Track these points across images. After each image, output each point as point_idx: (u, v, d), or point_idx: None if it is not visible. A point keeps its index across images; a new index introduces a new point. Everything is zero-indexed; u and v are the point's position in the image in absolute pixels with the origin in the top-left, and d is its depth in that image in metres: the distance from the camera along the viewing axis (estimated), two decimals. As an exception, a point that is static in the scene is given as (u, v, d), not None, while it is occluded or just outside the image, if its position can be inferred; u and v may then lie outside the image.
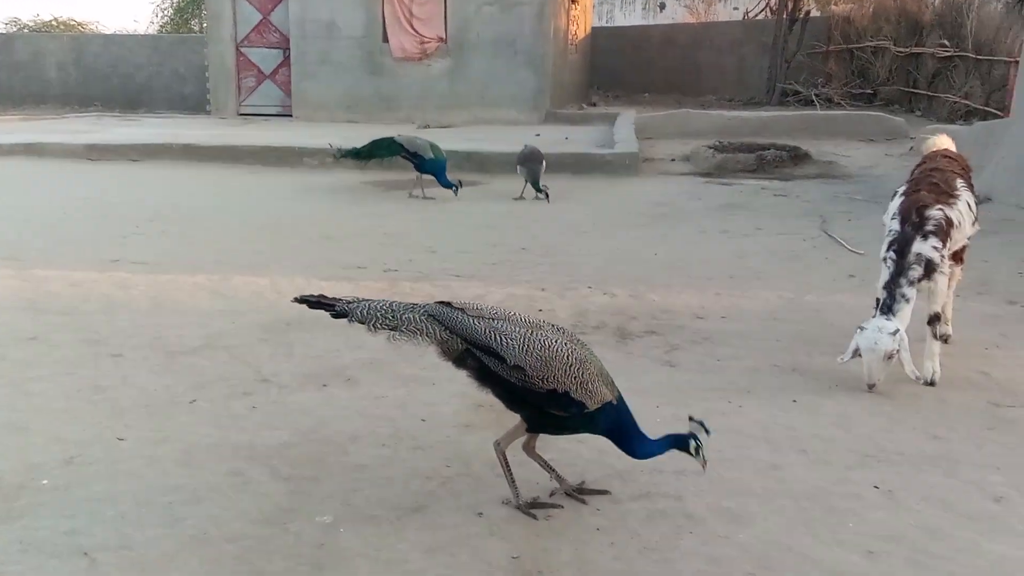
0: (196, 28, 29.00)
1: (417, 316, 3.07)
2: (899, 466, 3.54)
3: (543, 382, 2.96)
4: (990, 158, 9.94)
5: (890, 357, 4.17)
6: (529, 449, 3.26)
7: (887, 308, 4.29)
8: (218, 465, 3.49)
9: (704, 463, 3.05)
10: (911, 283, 4.32)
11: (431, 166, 9.67)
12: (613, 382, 3.09)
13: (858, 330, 4.25)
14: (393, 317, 3.07)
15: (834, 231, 8.02)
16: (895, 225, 4.48)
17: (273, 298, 5.82)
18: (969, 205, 4.65)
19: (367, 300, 3.19)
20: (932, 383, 4.36)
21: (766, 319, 5.46)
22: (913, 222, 4.42)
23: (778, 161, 11.96)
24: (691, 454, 3.05)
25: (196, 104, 19.67)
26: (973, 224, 4.76)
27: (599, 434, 3.14)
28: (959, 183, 4.67)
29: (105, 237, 7.62)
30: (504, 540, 2.98)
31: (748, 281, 6.38)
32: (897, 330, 4.18)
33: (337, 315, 3.13)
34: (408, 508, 3.18)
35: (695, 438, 3.02)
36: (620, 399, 3.08)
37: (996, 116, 13.50)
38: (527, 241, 7.64)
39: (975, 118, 14.51)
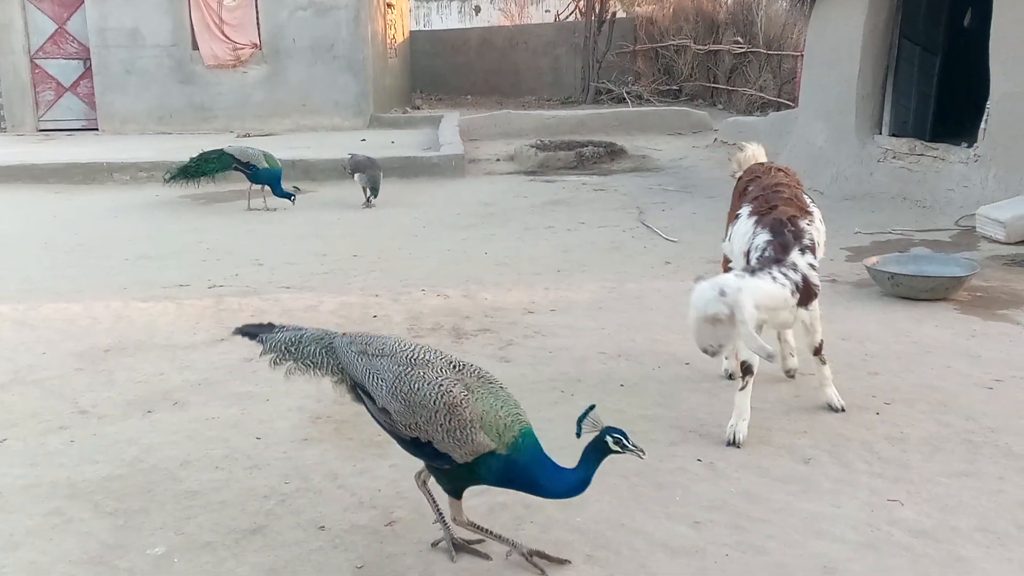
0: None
1: (316, 349, 2.96)
2: (718, 438, 3.79)
3: (407, 429, 2.73)
4: (784, 145, 10.75)
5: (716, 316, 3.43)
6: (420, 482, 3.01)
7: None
8: (35, 506, 3.29)
9: (639, 451, 2.68)
10: (786, 271, 3.67)
11: (265, 176, 9.41)
12: (511, 426, 2.69)
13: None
14: (295, 349, 2.97)
15: (650, 221, 8.44)
16: (763, 238, 3.81)
17: (87, 324, 5.50)
18: (821, 222, 4.10)
19: (288, 329, 3.06)
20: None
21: (592, 309, 5.68)
22: (790, 230, 3.80)
23: (596, 157, 12.42)
24: (618, 451, 2.67)
25: (-12, 121, 18.17)
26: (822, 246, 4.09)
27: (498, 486, 2.83)
28: (807, 199, 4.17)
29: None
30: (347, 551, 2.97)
31: (573, 274, 6.61)
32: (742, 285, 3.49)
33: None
34: (246, 530, 3.11)
35: (609, 433, 2.67)
36: (521, 444, 2.70)
37: (788, 107, 14.60)
38: (357, 248, 7.57)
39: (770, 109, 15.66)
